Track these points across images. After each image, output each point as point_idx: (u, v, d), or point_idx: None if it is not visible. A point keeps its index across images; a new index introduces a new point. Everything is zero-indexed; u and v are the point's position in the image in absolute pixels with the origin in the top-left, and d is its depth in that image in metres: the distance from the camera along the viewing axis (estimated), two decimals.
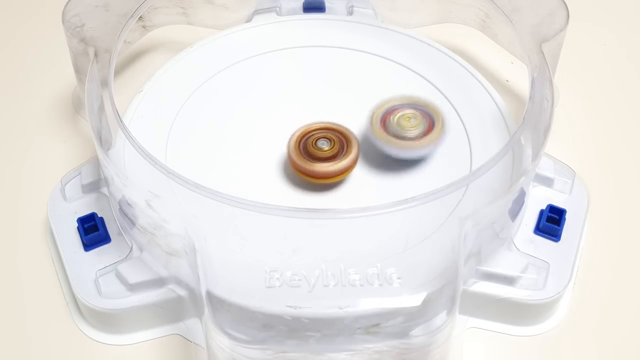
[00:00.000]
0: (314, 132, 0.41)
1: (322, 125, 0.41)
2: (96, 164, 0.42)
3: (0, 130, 0.48)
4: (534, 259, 0.39)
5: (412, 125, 0.40)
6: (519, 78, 0.49)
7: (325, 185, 0.40)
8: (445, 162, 0.41)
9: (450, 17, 0.50)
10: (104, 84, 0.40)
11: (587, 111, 0.49)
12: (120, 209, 0.39)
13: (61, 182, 0.42)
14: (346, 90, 0.45)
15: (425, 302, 0.34)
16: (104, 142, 0.39)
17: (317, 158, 0.40)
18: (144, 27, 0.49)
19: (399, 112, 0.41)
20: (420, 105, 0.41)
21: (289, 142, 0.40)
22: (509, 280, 0.38)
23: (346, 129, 0.41)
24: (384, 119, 0.41)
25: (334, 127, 0.41)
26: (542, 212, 0.41)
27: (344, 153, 0.40)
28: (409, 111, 0.41)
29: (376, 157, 0.42)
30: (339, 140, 0.40)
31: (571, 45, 0.46)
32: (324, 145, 0.40)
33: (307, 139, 0.40)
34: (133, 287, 0.38)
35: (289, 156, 0.40)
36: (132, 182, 0.37)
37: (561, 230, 0.40)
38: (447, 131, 0.41)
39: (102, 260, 0.39)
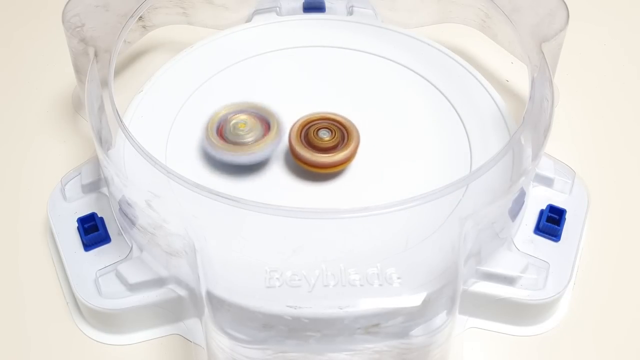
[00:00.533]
0: (316, 122, 0.41)
1: (324, 116, 0.41)
2: (96, 164, 0.42)
3: (0, 130, 0.48)
4: (534, 259, 0.39)
5: (248, 131, 0.41)
6: (519, 78, 0.49)
7: (323, 182, 0.40)
8: (445, 162, 0.41)
9: (450, 17, 0.50)
10: (104, 84, 0.40)
11: (587, 111, 0.49)
12: (120, 209, 0.39)
13: (61, 182, 0.42)
14: (346, 90, 0.45)
15: (425, 302, 0.34)
16: (104, 142, 0.39)
17: (317, 148, 0.40)
18: (144, 27, 0.49)
19: (233, 120, 0.41)
20: (255, 110, 0.42)
21: (290, 130, 0.41)
22: (509, 280, 0.38)
23: (347, 120, 0.41)
24: (220, 129, 0.41)
25: (335, 117, 0.41)
26: (542, 212, 0.41)
27: (344, 144, 0.40)
28: (243, 117, 0.41)
29: (376, 157, 0.42)
30: (340, 131, 0.41)
31: (571, 45, 0.46)
32: (325, 135, 0.40)
33: (308, 128, 0.41)
34: (133, 287, 0.38)
35: (290, 144, 0.40)
36: (132, 182, 0.37)
37: (561, 230, 0.40)
38: (282, 133, 0.41)
39: (102, 260, 0.39)
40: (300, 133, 0.41)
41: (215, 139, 0.41)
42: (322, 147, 0.40)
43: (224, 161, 0.40)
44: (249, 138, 0.40)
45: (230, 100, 0.44)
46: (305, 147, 0.40)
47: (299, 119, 0.41)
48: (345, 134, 0.41)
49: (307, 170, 0.40)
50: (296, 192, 0.40)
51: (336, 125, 0.41)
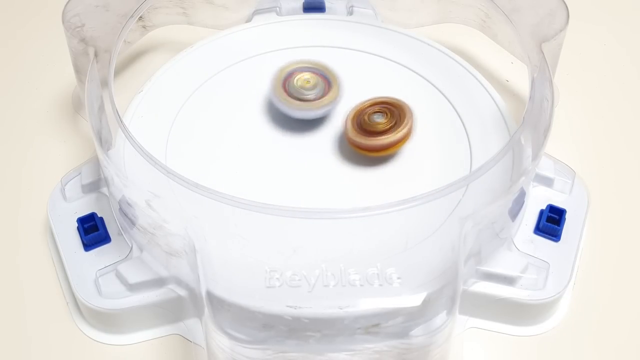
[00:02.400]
0: (368, 108, 0.42)
1: (376, 100, 0.42)
2: (96, 164, 0.42)
3: (0, 130, 0.48)
4: (534, 259, 0.39)
5: (311, 87, 0.43)
6: (519, 78, 0.49)
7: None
8: (445, 162, 0.41)
9: (450, 17, 0.50)
10: (104, 84, 0.40)
11: (587, 111, 0.49)
12: (120, 209, 0.39)
13: (61, 182, 0.42)
14: (346, 90, 0.45)
15: (425, 302, 0.34)
16: (104, 142, 0.39)
17: (373, 132, 0.41)
18: (144, 27, 0.49)
19: (297, 75, 0.43)
20: (319, 69, 0.43)
21: (345, 121, 0.42)
22: (509, 280, 0.38)
23: (400, 101, 0.42)
24: (285, 83, 0.43)
25: (387, 100, 0.42)
26: (542, 212, 0.41)
27: (400, 125, 0.41)
28: (307, 74, 0.43)
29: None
30: (392, 113, 0.42)
31: (571, 45, 0.46)
32: (379, 118, 0.41)
33: (361, 115, 0.41)
34: (133, 287, 0.38)
35: (347, 135, 0.41)
36: (132, 182, 0.37)
37: (561, 230, 0.40)
38: (342, 91, 0.43)
39: (102, 260, 0.39)
40: (355, 121, 0.41)
41: (282, 94, 0.42)
42: (377, 131, 0.41)
43: (290, 115, 0.43)
44: (311, 95, 0.42)
45: (230, 100, 0.45)
46: (361, 133, 0.41)
47: (352, 109, 0.42)
48: (399, 115, 0.41)
49: (361, 154, 0.41)
50: (294, 201, 0.40)
51: (388, 108, 0.42)
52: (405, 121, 0.41)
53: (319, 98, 0.42)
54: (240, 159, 0.42)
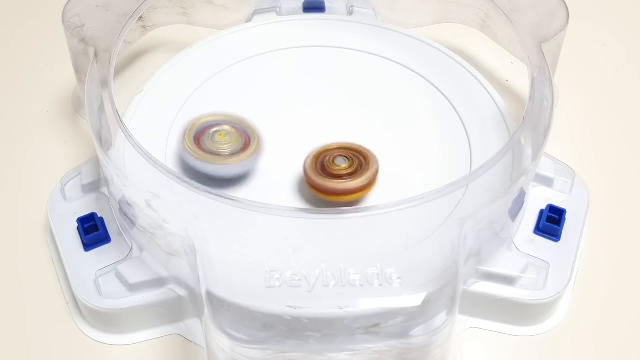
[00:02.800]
0: (332, 151, 0.40)
1: (340, 145, 0.40)
2: (96, 164, 0.42)
3: (0, 130, 0.48)
4: (534, 259, 0.39)
5: (227, 142, 0.40)
6: (519, 78, 0.49)
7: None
8: (445, 162, 0.41)
9: (450, 17, 0.50)
10: (104, 84, 0.40)
11: (587, 111, 0.49)
12: (120, 209, 0.39)
13: (61, 182, 0.42)
14: (346, 90, 0.45)
15: (425, 302, 0.34)
16: (104, 142, 0.39)
17: (334, 175, 0.39)
18: (144, 27, 0.49)
19: (213, 129, 0.40)
20: (236, 123, 0.41)
21: (305, 161, 0.40)
22: (509, 280, 0.38)
23: (365, 148, 0.40)
24: (198, 136, 0.40)
25: (352, 146, 0.40)
26: (542, 212, 0.41)
27: (361, 171, 0.39)
28: (225, 127, 0.40)
29: (375, 156, 0.42)
30: (357, 159, 0.40)
31: (571, 45, 0.46)
32: (342, 162, 0.39)
33: (324, 158, 0.40)
34: (133, 287, 0.38)
35: (306, 174, 0.39)
36: (132, 182, 0.37)
37: (561, 230, 0.40)
38: (261, 150, 0.40)
39: (102, 260, 0.39)
40: (316, 162, 0.39)
41: (193, 147, 0.39)
42: (338, 175, 0.39)
43: (200, 171, 0.39)
44: (226, 150, 0.39)
45: (230, 100, 0.45)
46: (321, 174, 0.39)
47: (314, 150, 0.40)
48: (363, 161, 0.39)
49: (320, 198, 0.39)
50: (294, 200, 0.40)
51: (353, 153, 0.40)
52: (369, 170, 0.39)
53: (236, 154, 0.39)
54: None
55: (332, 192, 0.39)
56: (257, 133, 0.41)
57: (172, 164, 0.41)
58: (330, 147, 0.40)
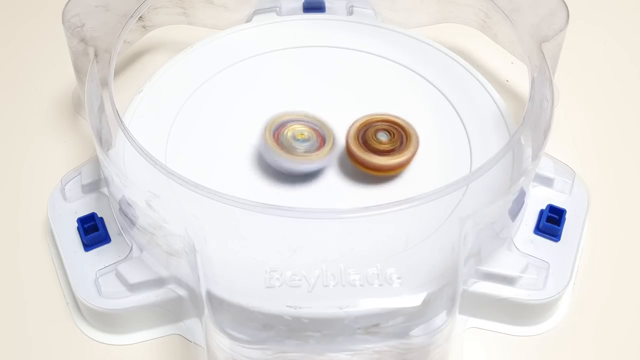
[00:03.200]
0: (375, 124, 0.41)
1: (383, 117, 0.41)
2: (96, 164, 0.42)
3: (0, 130, 0.48)
4: (534, 259, 0.39)
5: (304, 139, 0.40)
6: (519, 78, 0.49)
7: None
8: (445, 162, 0.41)
9: (450, 17, 0.50)
10: (104, 84, 0.40)
11: (587, 111, 0.49)
12: (120, 209, 0.39)
13: (61, 182, 0.42)
14: (346, 90, 0.45)
15: (425, 302, 0.34)
16: (104, 142, 0.39)
17: (375, 151, 0.40)
18: (144, 27, 0.49)
19: (291, 126, 0.41)
20: (314, 122, 0.41)
21: (348, 132, 0.41)
22: (509, 280, 0.38)
23: (407, 122, 0.41)
24: (277, 132, 0.40)
25: (394, 119, 0.41)
26: (542, 212, 0.41)
27: (402, 147, 0.40)
28: (301, 127, 0.41)
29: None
30: (399, 133, 0.41)
31: (571, 45, 0.46)
32: (383, 137, 0.40)
33: (366, 130, 0.40)
34: (133, 287, 0.38)
35: (348, 146, 0.40)
36: (132, 182, 0.37)
37: (561, 230, 0.40)
38: (336, 149, 0.41)
39: (102, 260, 0.39)
40: (358, 135, 0.40)
41: (273, 143, 0.40)
42: (380, 150, 0.40)
43: (277, 166, 0.40)
44: (302, 148, 0.40)
45: (230, 100, 0.45)
46: (363, 149, 0.40)
47: (356, 120, 0.41)
48: (404, 137, 0.40)
49: (362, 172, 0.40)
50: (293, 202, 0.40)
51: (395, 128, 0.41)
52: (410, 146, 0.40)
53: (312, 152, 0.40)
54: (240, 159, 0.42)
55: (371, 167, 0.40)
56: (332, 134, 0.41)
57: (172, 164, 0.41)
58: (374, 119, 0.41)
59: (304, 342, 0.34)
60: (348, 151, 0.40)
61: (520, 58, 0.45)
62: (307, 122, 0.41)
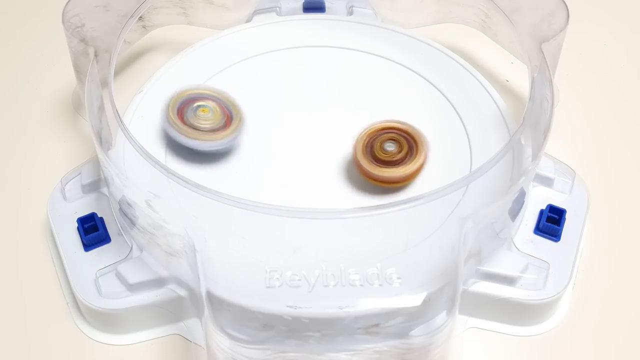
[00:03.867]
0: (381, 133, 0.40)
1: (389, 125, 0.40)
2: (96, 164, 0.42)
3: (0, 130, 0.48)
4: (534, 259, 0.39)
5: (208, 118, 0.40)
6: (519, 78, 0.49)
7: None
8: (445, 162, 0.41)
9: (450, 17, 0.50)
10: (104, 84, 0.40)
11: (587, 111, 0.49)
12: (120, 209, 0.39)
13: (61, 182, 0.42)
14: (346, 90, 0.45)
15: (425, 302, 0.34)
16: (104, 142, 0.39)
17: (383, 162, 0.39)
18: (144, 27, 0.49)
19: (197, 103, 0.41)
20: (220, 99, 0.41)
21: (355, 144, 0.40)
22: (509, 280, 0.38)
23: (415, 129, 0.40)
24: (181, 109, 0.41)
25: (401, 127, 0.40)
26: (542, 212, 0.41)
27: (412, 157, 0.39)
28: (208, 103, 0.41)
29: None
30: (407, 142, 0.40)
31: (571, 45, 0.46)
32: (391, 147, 0.39)
33: (374, 141, 0.40)
34: (133, 287, 0.38)
35: (356, 159, 0.39)
36: (132, 182, 0.37)
37: (561, 230, 0.40)
38: (242, 127, 0.41)
39: (102, 260, 0.39)
40: (366, 145, 0.39)
41: (176, 120, 0.40)
42: (388, 161, 0.39)
43: (178, 142, 0.40)
44: (206, 125, 0.40)
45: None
46: (371, 161, 0.39)
47: (364, 130, 0.40)
48: (414, 145, 0.39)
49: (369, 182, 0.40)
50: (293, 201, 0.40)
51: (403, 136, 0.40)
52: (420, 152, 0.39)
53: (216, 130, 0.40)
54: (240, 159, 0.42)
55: (381, 180, 0.39)
56: (239, 110, 0.41)
57: (172, 164, 0.41)
58: (379, 127, 0.40)
59: (304, 342, 0.34)
60: (357, 165, 0.40)
61: (520, 58, 0.45)
62: (214, 98, 0.41)
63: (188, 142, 0.40)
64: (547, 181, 0.42)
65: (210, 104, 0.41)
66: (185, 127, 0.40)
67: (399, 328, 0.34)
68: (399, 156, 0.39)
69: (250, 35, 0.49)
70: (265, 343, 0.33)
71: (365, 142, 0.40)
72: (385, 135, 0.40)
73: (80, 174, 0.42)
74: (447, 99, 0.45)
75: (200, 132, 0.40)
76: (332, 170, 0.41)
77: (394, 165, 0.39)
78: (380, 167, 0.39)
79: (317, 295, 0.34)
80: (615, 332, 0.40)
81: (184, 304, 0.38)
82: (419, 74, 0.46)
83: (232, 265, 0.35)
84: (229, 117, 0.41)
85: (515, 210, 0.39)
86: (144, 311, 0.38)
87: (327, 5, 0.50)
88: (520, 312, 0.39)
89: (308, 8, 0.50)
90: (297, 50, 0.47)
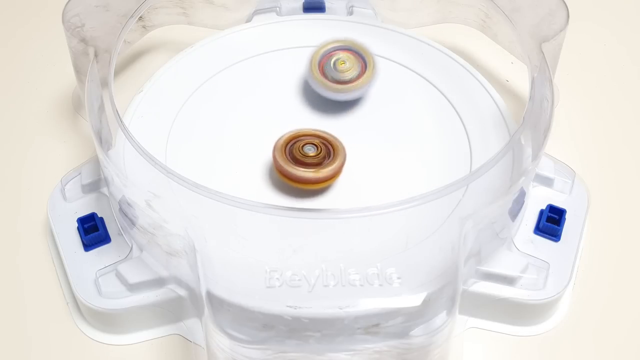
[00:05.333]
0: (302, 138, 0.40)
1: (310, 132, 0.41)
2: (96, 164, 0.42)
3: (0, 130, 0.48)
4: (534, 259, 0.39)
5: (347, 69, 0.43)
6: (519, 78, 0.49)
7: (324, 187, 0.40)
8: (445, 162, 0.41)
9: (450, 17, 0.50)
10: (104, 84, 0.40)
11: (587, 111, 0.49)
12: (120, 209, 0.39)
13: (61, 182, 0.42)
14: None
15: (425, 302, 0.34)
16: (104, 142, 0.39)
17: (302, 163, 0.39)
18: (144, 27, 0.49)
19: (334, 57, 0.43)
20: (354, 47, 0.44)
21: (275, 145, 0.40)
22: (509, 280, 0.38)
23: (333, 137, 0.41)
24: (322, 65, 0.43)
25: (321, 134, 0.41)
26: (542, 212, 0.41)
27: (329, 160, 0.39)
28: (342, 55, 0.44)
29: (376, 157, 0.42)
30: (326, 147, 0.40)
31: (571, 45, 0.46)
32: (310, 151, 0.40)
33: (294, 144, 0.40)
34: (133, 287, 0.38)
35: (275, 159, 0.40)
36: (132, 182, 0.37)
37: (561, 230, 0.40)
38: (378, 71, 0.44)
39: (102, 260, 0.39)
40: (285, 149, 0.40)
41: (319, 76, 0.43)
42: (306, 163, 0.39)
43: (324, 96, 0.43)
44: (347, 76, 0.43)
45: (230, 100, 0.45)
46: (290, 161, 0.39)
47: (285, 134, 0.40)
48: (331, 150, 0.40)
49: (290, 185, 0.40)
50: (294, 201, 0.40)
51: (322, 142, 0.40)
52: (336, 159, 0.39)
53: (355, 80, 0.43)
54: (240, 159, 0.42)
55: (298, 180, 0.39)
56: (371, 56, 0.44)
57: (172, 164, 0.41)
58: (301, 134, 0.41)
59: (304, 342, 0.34)
60: (275, 164, 0.40)
61: (520, 58, 0.45)
62: (348, 48, 0.44)
63: (336, 96, 0.43)
64: (547, 181, 0.42)
65: (343, 55, 0.44)
66: (330, 83, 0.43)
67: (399, 328, 0.34)
68: (316, 160, 0.39)
69: (250, 35, 0.49)
70: (265, 343, 0.33)
71: (286, 145, 0.40)
72: (305, 139, 0.40)
73: (80, 174, 0.42)
74: (447, 99, 0.45)
75: (344, 84, 0.43)
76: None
77: (311, 167, 0.39)
78: (297, 167, 0.39)
79: (317, 295, 0.34)
80: (615, 332, 0.40)
81: (184, 304, 0.38)
82: (419, 74, 0.46)
83: (232, 265, 0.35)
84: (364, 64, 0.43)
85: (515, 210, 0.39)
86: (144, 311, 0.38)
87: (327, 5, 0.50)
88: (520, 312, 0.39)
89: (308, 8, 0.50)
90: (297, 50, 0.47)
